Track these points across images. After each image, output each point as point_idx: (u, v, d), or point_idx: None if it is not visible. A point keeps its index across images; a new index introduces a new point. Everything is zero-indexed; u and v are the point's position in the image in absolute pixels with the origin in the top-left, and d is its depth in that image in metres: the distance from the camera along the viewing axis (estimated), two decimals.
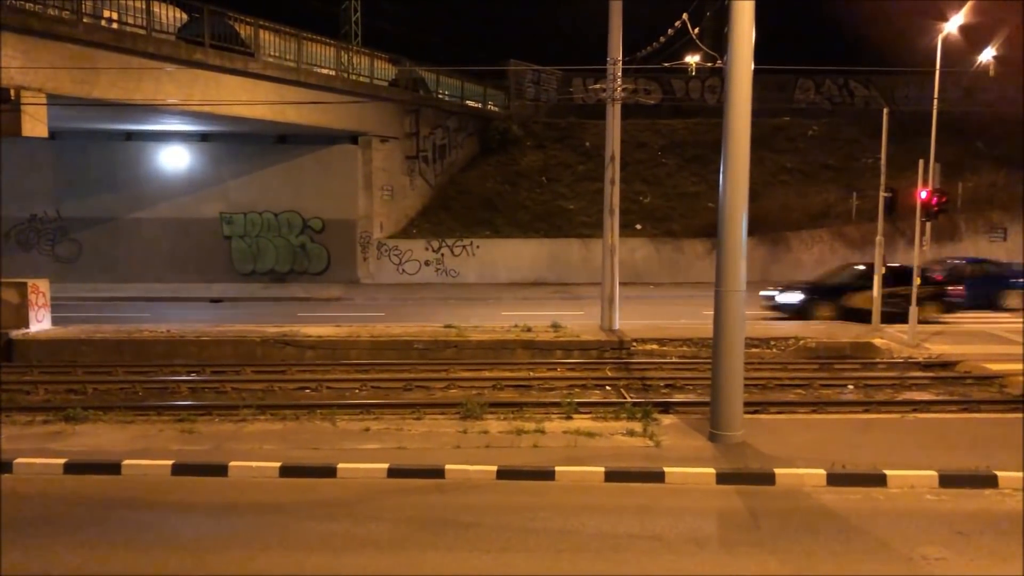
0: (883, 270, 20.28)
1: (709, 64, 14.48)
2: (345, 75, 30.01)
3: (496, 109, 40.07)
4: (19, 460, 10.14)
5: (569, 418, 12.12)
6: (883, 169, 19.95)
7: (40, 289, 19.92)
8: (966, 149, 34.64)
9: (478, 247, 32.64)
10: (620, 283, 20.45)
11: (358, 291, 30.07)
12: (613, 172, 19.80)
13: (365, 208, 32.24)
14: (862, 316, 21.06)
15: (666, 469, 9.66)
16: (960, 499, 8.99)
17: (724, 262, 10.65)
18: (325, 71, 29.09)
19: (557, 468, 9.72)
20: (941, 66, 20.52)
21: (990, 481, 9.29)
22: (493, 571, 7.37)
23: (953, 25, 20.65)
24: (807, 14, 38.86)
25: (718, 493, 9.32)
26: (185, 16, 24.71)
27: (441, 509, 8.83)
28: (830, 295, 22.60)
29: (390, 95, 32.37)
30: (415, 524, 8.40)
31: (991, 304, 24.57)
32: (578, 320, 21.10)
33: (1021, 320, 21.01)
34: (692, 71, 21.25)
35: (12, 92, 18.91)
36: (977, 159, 34.84)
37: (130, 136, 31.80)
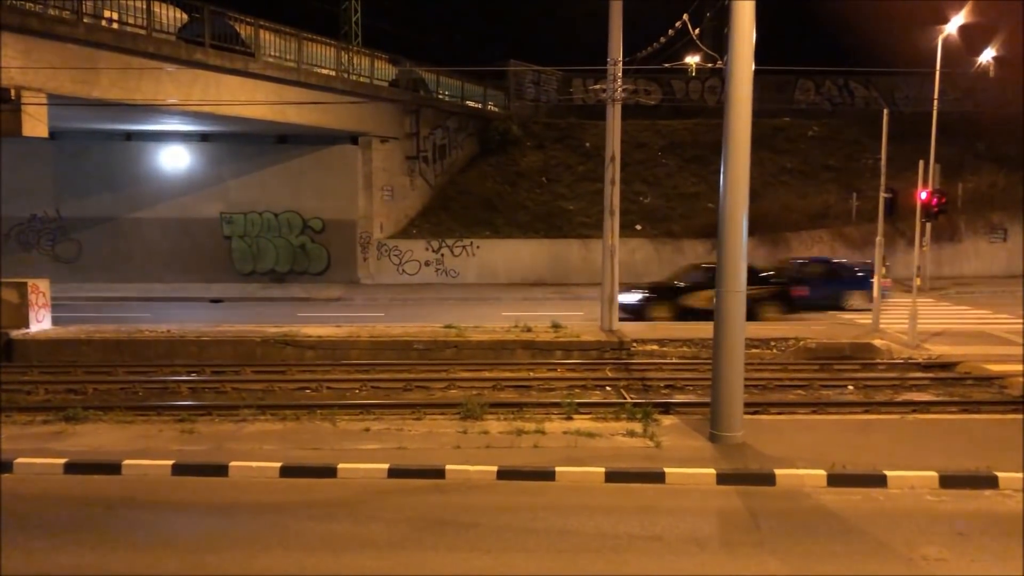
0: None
1: (709, 65, 14.48)
2: (345, 75, 30.00)
3: (496, 109, 40.07)
4: (19, 460, 10.14)
5: (569, 418, 12.12)
6: (883, 170, 19.95)
7: (40, 289, 19.92)
8: (966, 150, 34.65)
9: (478, 247, 32.63)
10: (620, 283, 20.46)
11: (358, 291, 30.06)
12: (613, 172, 19.80)
13: (365, 208, 32.23)
14: (700, 316, 20.90)
15: (666, 470, 9.66)
16: (960, 500, 9.00)
17: (724, 263, 10.66)
18: (325, 71, 29.09)
19: (557, 468, 9.72)
20: (941, 67, 20.57)
21: (990, 482, 9.29)
22: (493, 571, 7.37)
23: (953, 26, 20.69)
24: (807, 14, 38.84)
25: (718, 494, 9.32)
26: (185, 16, 24.70)
27: (441, 509, 8.83)
28: (668, 295, 22.49)
29: (390, 95, 32.37)
30: (415, 524, 8.41)
31: (836, 304, 24.53)
32: (578, 320, 21.11)
33: (1021, 320, 21.01)
34: (692, 72, 21.29)
35: (12, 92, 18.90)
36: (977, 160, 34.85)
37: (130, 136, 31.79)
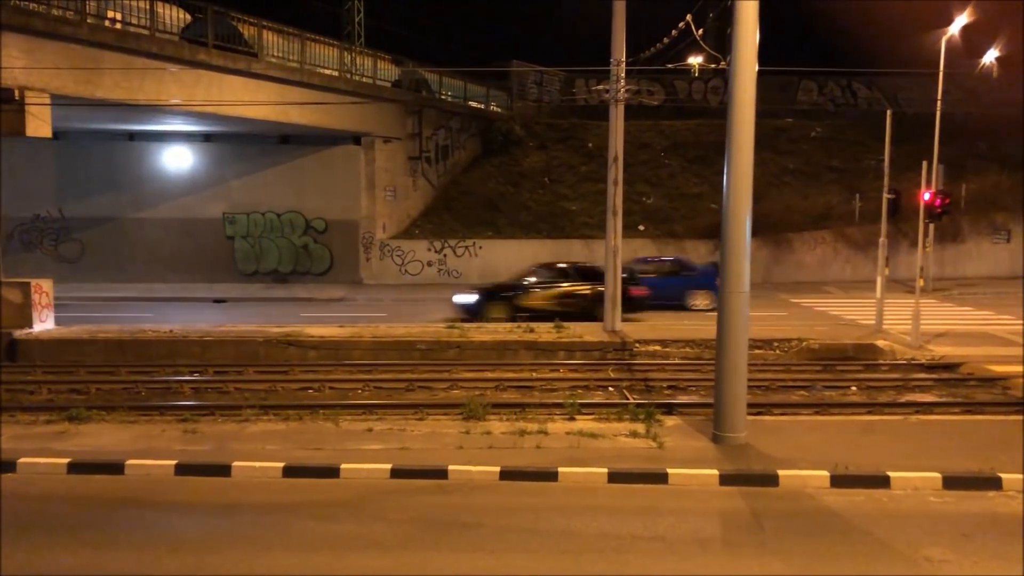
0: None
1: (712, 65, 14.49)
2: (348, 76, 30.02)
3: (499, 110, 40.07)
4: (23, 460, 10.16)
5: (572, 419, 12.11)
6: (886, 171, 19.93)
7: (43, 289, 19.94)
8: (970, 150, 34.61)
9: (480, 248, 32.63)
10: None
11: (361, 291, 30.07)
12: (616, 173, 19.79)
13: (368, 209, 32.24)
14: (538, 316, 21.03)
15: (669, 470, 9.66)
16: (964, 501, 8.98)
17: (728, 263, 10.65)
18: (328, 72, 29.10)
19: (560, 469, 9.72)
20: (944, 68, 20.54)
21: (994, 483, 9.28)
22: (496, 572, 7.37)
23: (956, 27, 20.66)
24: (810, 15, 38.81)
25: (721, 494, 9.32)
26: (188, 16, 24.72)
27: (444, 510, 8.84)
28: (505, 295, 22.24)
29: (393, 96, 32.38)
30: (418, 525, 8.41)
31: (681, 303, 24.54)
32: (580, 321, 21.09)
33: (1021, 321, 20.98)
34: (695, 72, 21.30)
35: (16, 92, 18.91)
36: (981, 160, 34.80)
37: (133, 136, 31.82)
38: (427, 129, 34.38)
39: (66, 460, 10.14)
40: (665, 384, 15.29)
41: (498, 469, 9.74)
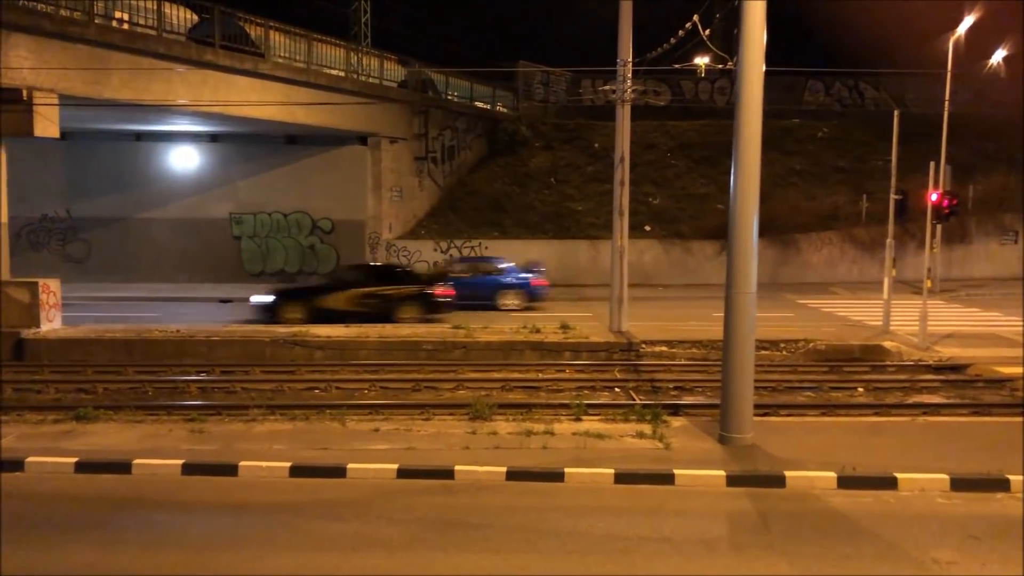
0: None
1: (719, 66, 14.49)
2: (354, 76, 30.04)
3: (505, 110, 40.06)
4: (31, 459, 10.19)
5: (578, 420, 12.11)
6: (893, 171, 19.88)
7: (51, 289, 20.00)
8: (978, 151, 34.47)
9: (486, 248, 32.58)
10: (629, 284, 20.44)
11: None
12: (622, 173, 19.78)
13: (374, 209, 32.24)
14: (335, 318, 20.96)
15: (676, 471, 9.65)
16: (972, 503, 8.96)
17: (735, 264, 10.63)
18: (334, 72, 29.12)
19: (566, 469, 9.72)
20: (952, 68, 20.49)
21: (1002, 485, 9.26)
22: (502, 572, 7.37)
23: (963, 27, 20.61)
24: (817, 15, 38.72)
25: (728, 495, 9.31)
26: (195, 17, 24.75)
27: (450, 510, 8.84)
28: (302, 296, 22.13)
29: (399, 96, 32.39)
30: (424, 525, 8.42)
31: (492, 304, 24.46)
32: (586, 322, 21.09)
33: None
34: (702, 73, 21.27)
35: (24, 93, 18.95)
36: (989, 161, 34.65)
37: (140, 136, 31.87)
38: (433, 129, 34.39)
39: (73, 459, 10.17)
40: (671, 385, 15.27)
41: (504, 469, 9.75)
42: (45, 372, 16.74)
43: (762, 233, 10.87)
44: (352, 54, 30.58)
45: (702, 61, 20.09)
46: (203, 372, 16.73)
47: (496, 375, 16.28)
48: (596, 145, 36.97)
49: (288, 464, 9.99)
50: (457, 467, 9.80)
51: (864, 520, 8.46)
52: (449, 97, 36.28)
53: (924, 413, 12.89)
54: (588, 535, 8.13)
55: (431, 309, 21.84)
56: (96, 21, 20.92)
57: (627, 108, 19.59)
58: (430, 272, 25.42)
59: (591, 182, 35.43)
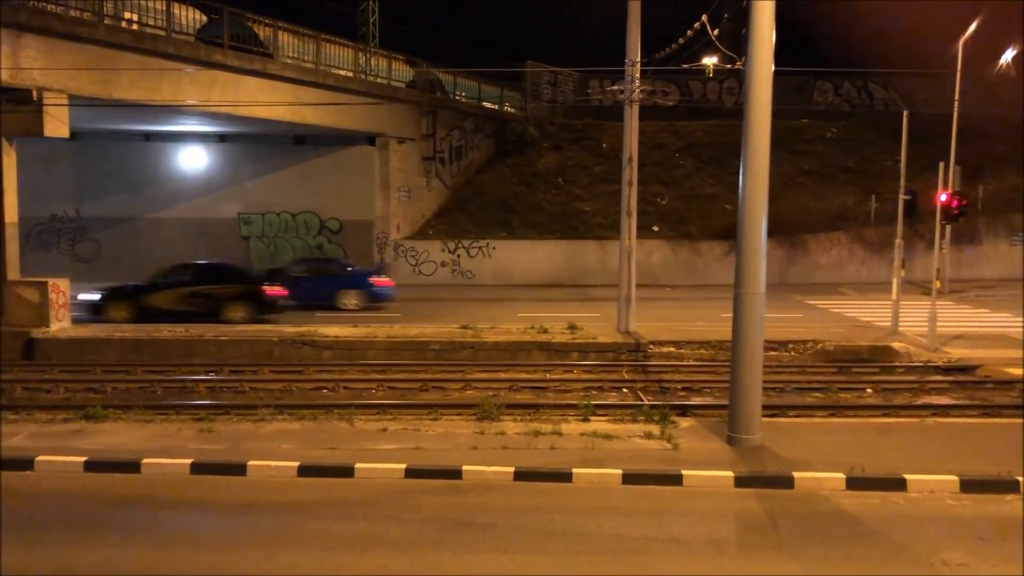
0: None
1: (728, 66, 14.47)
2: (363, 76, 30.08)
3: (513, 110, 40.06)
4: (40, 458, 10.23)
5: (586, 420, 12.10)
6: (902, 172, 19.81)
7: (60, 288, 20.07)
8: (987, 152, 34.30)
9: (494, 248, 32.62)
10: (636, 285, 20.42)
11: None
12: (631, 173, 19.77)
13: (382, 209, 32.29)
14: (160, 316, 21.00)
15: (684, 472, 9.64)
16: (982, 504, 8.92)
17: (743, 264, 10.61)
18: (343, 72, 29.17)
19: (574, 470, 9.72)
20: (962, 68, 20.40)
21: (1012, 486, 9.21)
22: (510, 572, 7.37)
23: (974, 27, 20.50)
24: (826, 15, 38.60)
25: (736, 496, 9.29)
26: (204, 17, 24.81)
27: (458, 510, 8.84)
28: (128, 294, 21.93)
29: (407, 96, 32.42)
30: (432, 524, 8.42)
31: (330, 304, 24.43)
32: (594, 322, 21.08)
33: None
34: (710, 73, 21.22)
35: (34, 93, 19.04)
36: (998, 162, 34.50)
37: (149, 137, 31.98)
38: (441, 130, 34.42)
39: (83, 458, 10.21)
40: (679, 385, 15.25)
41: (512, 470, 9.75)
42: (55, 371, 16.82)
43: (771, 233, 10.85)
44: (360, 54, 30.63)
45: (710, 61, 20.05)
46: (212, 372, 16.78)
47: (503, 375, 16.29)
48: (604, 145, 36.94)
49: (296, 464, 10.01)
50: (465, 467, 9.81)
51: (873, 521, 8.43)
52: (457, 97, 36.31)
53: (933, 414, 12.84)
54: (596, 535, 8.12)
55: (261, 309, 21.78)
56: (106, 22, 20.99)
57: (635, 108, 19.58)
58: (262, 271, 25.30)
59: (599, 182, 35.41)
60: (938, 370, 16.45)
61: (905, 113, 19.98)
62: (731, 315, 10.89)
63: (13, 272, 19.83)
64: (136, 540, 8.12)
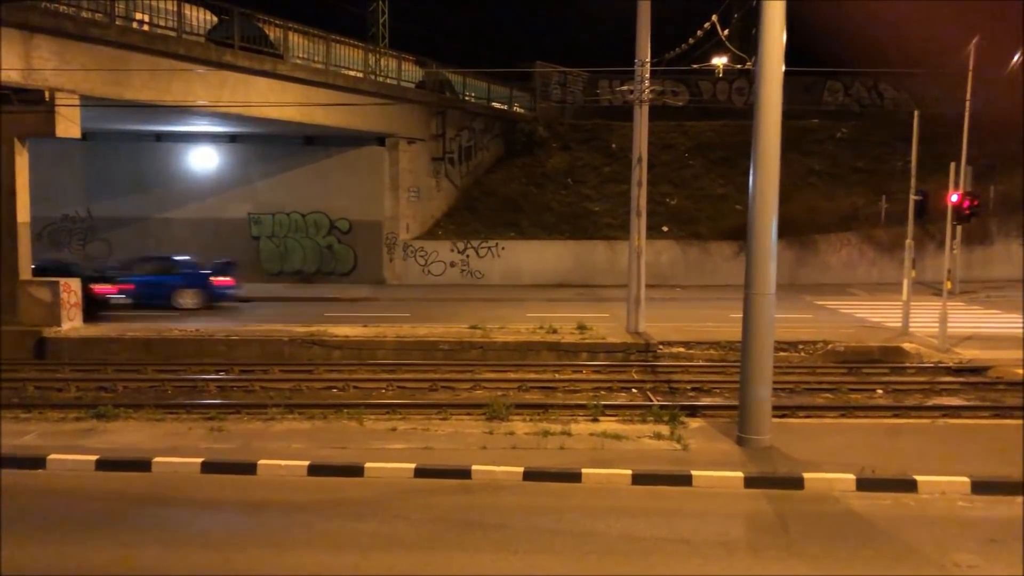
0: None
1: (738, 66, 14.43)
2: (372, 77, 30.14)
3: (522, 111, 40.06)
4: (52, 456, 10.29)
5: (595, 420, 12.11)
6: (913, 172, 19.74)
7: (71, 288, 20.18)
8: (999, 151, 34.10)
9: (503, 248, 32.63)
10: (646, 285, 20.39)
11: (384, 292, 30.17)
12: (640, 174, 19.75)
13: (391, 209, 32.34)
14: None
15: (694, 472, 9.63)
16: (993, 506, 8.89)
17: (754, 265, 10.59)
18: (353, 73, 29.23)
19: (584, 470, 9.72)
20: (974, 68, 20.29)
21: (1023, 488, 9.16)
22: (519, 572, 7.38)
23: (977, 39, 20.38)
24: (836, 15, 38.47)
25: (746, 497, 9.27)
26: (215, 18, 24.91)
27: (468, 510, 8.86)
28: None
29: (417, 97, 32.46)
30: (442, 524, 8.43)
31: (167, 303, 24.22)
32: (603, 322, 21.06)
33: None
34: (720, 73, 21.17)
35: (46, 94, 19.16)
36: (1010, 161, 34.30)
37: (160, 137, 32.13)
38: (451, 130, 34.45)
39: (94, 457, 10.26)
40: (689, 386, 15.23)
41: (522, 469, 9.75)
42: (66, 370, 16.91)
43: (780, 234, 10.82)
44: (370, 55, 30.69)
45: (720, 61, 19.99)
46: (222, 371, 16.83)
47: (513, 375, 16.30)
48: (613, 145, 36.90)
49: (306, 463, 10.04)
50: (474, 467, 9.82)
51: (883, 522, 8.41)
52: (466, 98, 36.33)
53: (944, 415, 12.79)
54: (605, 536, 8.12)
55: (94, 307, 21.47)
56: (117, 22, 21.09)
57: (645, 108, 19.55)
58: (95, 270, 24.41)
59: (608, 182, 35.37)
60: (949, 371, 16.37)
61: (915, 113, 19.90)
62: (741, 316, 10.87)
63: (25, 272, 19.95)
64: (147, 539, 8.15)
